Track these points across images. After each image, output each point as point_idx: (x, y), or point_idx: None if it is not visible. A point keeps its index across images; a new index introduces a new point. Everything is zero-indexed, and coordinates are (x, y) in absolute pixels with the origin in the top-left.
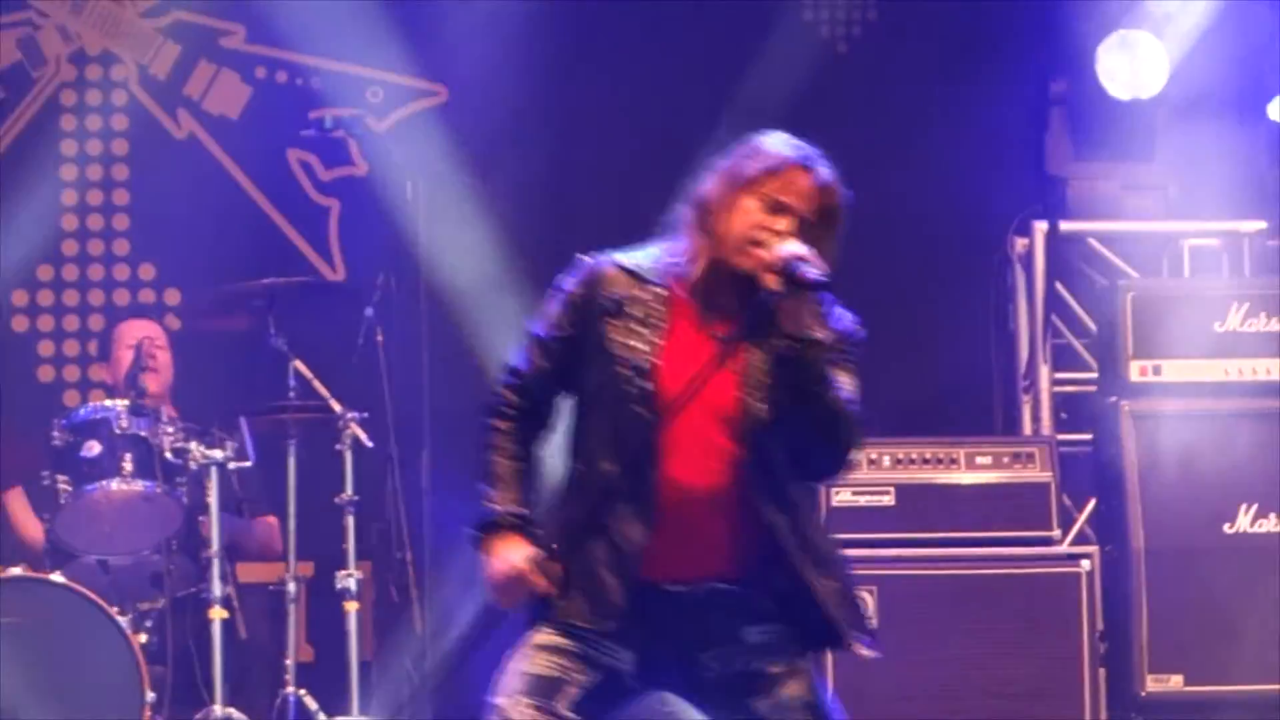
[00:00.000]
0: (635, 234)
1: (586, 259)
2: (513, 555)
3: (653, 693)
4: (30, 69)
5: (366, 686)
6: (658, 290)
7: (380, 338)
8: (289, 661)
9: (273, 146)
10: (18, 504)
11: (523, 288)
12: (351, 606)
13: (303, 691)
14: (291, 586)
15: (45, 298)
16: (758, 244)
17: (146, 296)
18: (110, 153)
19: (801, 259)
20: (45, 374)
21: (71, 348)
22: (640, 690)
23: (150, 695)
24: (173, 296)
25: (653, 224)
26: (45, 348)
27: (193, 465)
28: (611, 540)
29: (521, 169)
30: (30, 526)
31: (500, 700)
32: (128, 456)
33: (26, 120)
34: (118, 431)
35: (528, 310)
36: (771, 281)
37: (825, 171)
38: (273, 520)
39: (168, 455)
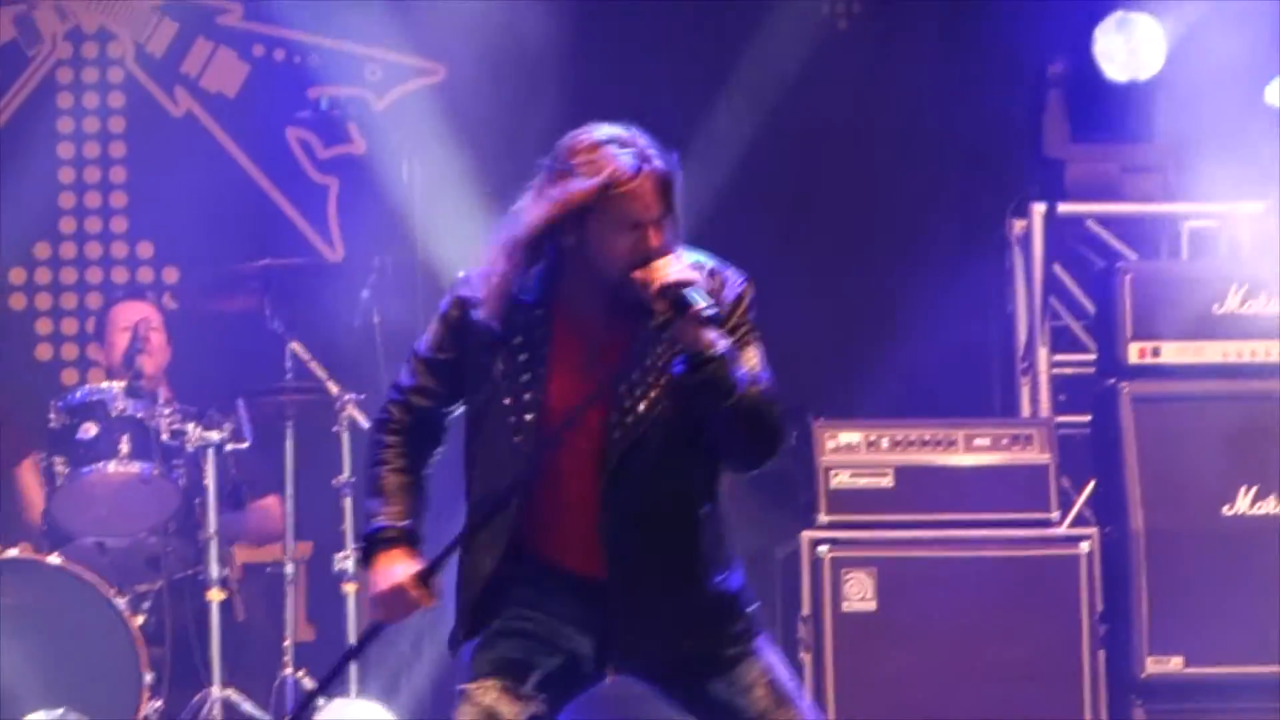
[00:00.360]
0: None
1: (462, 276)
2: (395, 571)
3: (611, 678)
4: (25, 47)
5: (364, 668)
6: (537, 313)
7: (377, 319)
8: (287, 643)
9: (271, 124)
10: (30, 477)
11: None
12: (350, 588)
13: (301, 673)
14: (289, 568)
15: (43, 275)
16: (636, 267)
17: (145, 275)
18: (107, 130)
19: (686, 284)
20: (43, 352)
21: (70, 325)
22: (598, 675)
23: (148, 677)
24: (171, 274)
25: None
26: (43, 325)
27: (189, 447)
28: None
29: (518, 148)
30: (39, 502)
31: (468, 685)
32: (124, 438)
33: (23, 98)
34: (114, 413)
35: None
36: (660, 308)
37: (658, 162)
38: (272, 502)
39: (164, 437)
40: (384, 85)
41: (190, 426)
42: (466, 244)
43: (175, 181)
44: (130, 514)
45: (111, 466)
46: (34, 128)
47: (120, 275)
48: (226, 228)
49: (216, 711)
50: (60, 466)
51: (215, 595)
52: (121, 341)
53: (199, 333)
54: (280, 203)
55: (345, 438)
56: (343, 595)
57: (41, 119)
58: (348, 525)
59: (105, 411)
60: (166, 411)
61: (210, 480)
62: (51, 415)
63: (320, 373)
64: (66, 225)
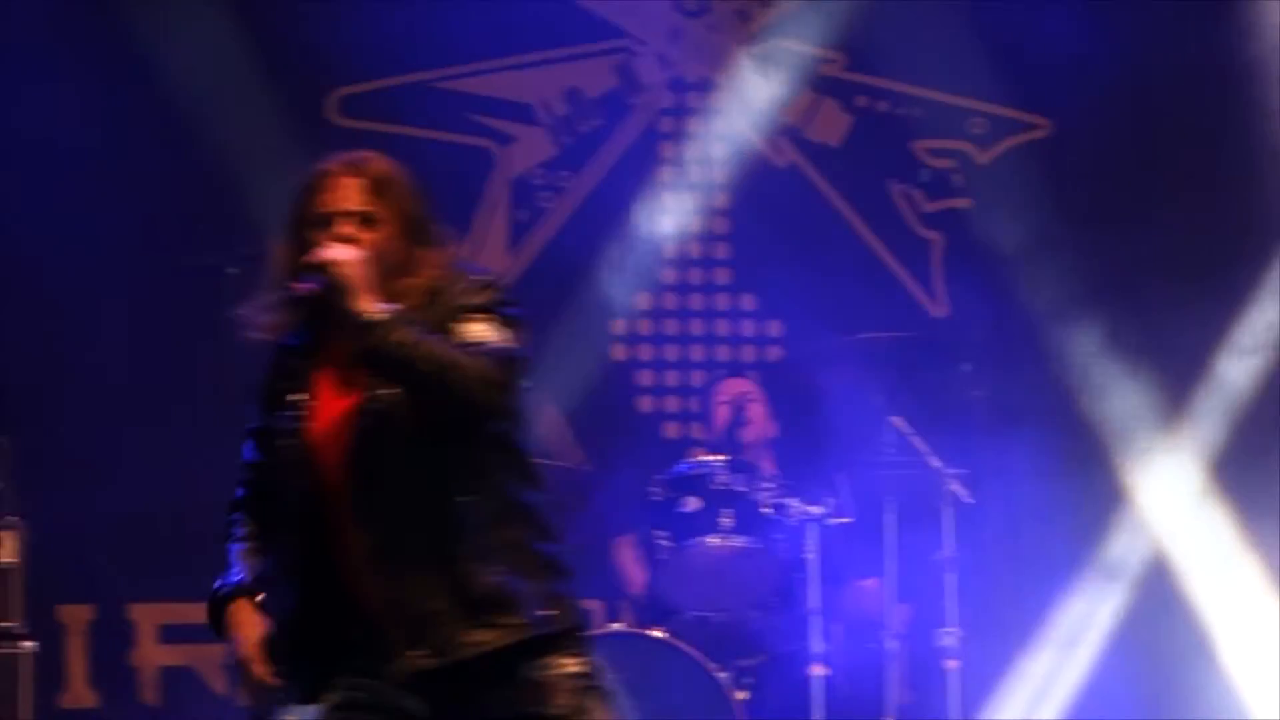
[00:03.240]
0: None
1: None
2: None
3: None
4: (627, 95)
5: None
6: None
7: (978, 393)
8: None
9: (873, 176)
10: (627, 551)
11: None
12: (952, 665)
13: None
14: (892, 645)
15: (644, 327)
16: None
17: (747, 328)
18: (709, 180)
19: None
20: (644, 404)
21: (671, 379)
22: None
23: None
24: (774, 328)
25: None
26: (644, 377)
27: (791, 521)
28: None
29: (1131, 209)
30: (635, 577)
31: None
32: (726, 512)
33: (624, 146)
34: (716, 487)
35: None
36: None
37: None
38: (871, 584)
39: (766, 510)
40: (988, 139)
41: (792, 500)
42: (1071, 312)
43: (778, 233)
44: (732, 588)
45: (714, 540)
46: (636, 176)
47: (722, 328)
48: (830, 282)
49: None
50: (663, 540)
51: (818, 670)
52: (723, 415)
53: (799, 405)
54: (884, 256)
55: (949, 513)
56: (944, 670)
57: (643, 167)
58: (950, 601)
59: (707, 485)
60: (767, 485)
61: (813, 554)
62: (654, 488)
63: (922, 447)
64: (667, 276)
